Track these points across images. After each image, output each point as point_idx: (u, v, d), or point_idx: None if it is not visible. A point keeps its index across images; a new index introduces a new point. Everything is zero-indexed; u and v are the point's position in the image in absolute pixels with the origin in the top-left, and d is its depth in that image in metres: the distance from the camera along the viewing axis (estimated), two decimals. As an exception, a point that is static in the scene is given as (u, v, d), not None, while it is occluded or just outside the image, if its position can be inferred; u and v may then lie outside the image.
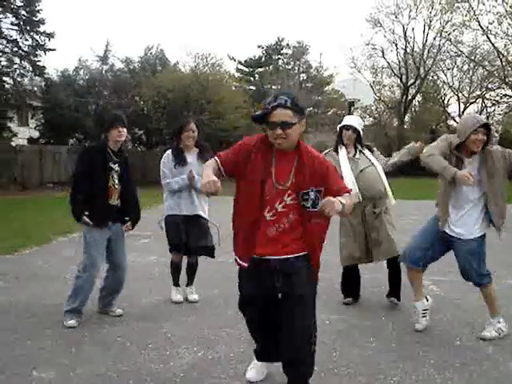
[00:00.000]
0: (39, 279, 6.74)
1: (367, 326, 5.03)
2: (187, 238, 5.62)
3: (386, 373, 3.94)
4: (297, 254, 3.29)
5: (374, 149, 5.82)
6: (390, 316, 5.31)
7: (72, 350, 4.38)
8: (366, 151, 5.69)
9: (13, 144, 24.96)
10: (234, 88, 34.90)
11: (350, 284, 5.78)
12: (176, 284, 5.89)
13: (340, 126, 5.76)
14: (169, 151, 5.69)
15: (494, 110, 40.45)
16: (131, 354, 4.30)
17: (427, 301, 4.96)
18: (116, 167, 5.09)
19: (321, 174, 3.23)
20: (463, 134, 4.45)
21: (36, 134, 30.29)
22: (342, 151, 5.63)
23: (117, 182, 5.08)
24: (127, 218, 5.17)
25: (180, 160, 5.54)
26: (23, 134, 29.35)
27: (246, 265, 3.36)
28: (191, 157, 5.59)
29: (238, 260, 3.41)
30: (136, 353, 4.32)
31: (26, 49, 25.77)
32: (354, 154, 5.61)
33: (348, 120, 5.80)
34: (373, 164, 5.57)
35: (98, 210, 4.98)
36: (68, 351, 4.35)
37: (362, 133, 5.68)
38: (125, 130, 5.04)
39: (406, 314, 5.34)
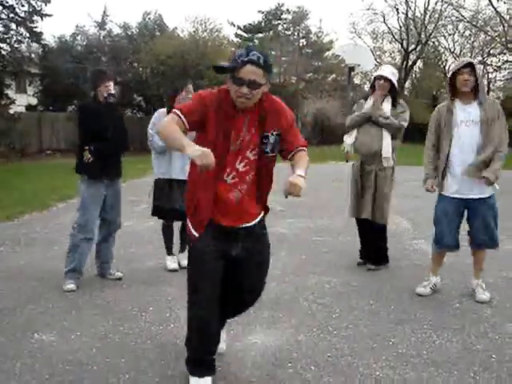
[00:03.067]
0: (40, 244, 6.77)
1: (367, 288, 5.06)
2: (173, 203, 5.46)
3: (385, 334, 3.98)
4: (258, 219, 3.19)
5: (401, 101, 5.62)
6: (389, 279, 5.34)
7: (73, 313, 4.42)
8: (387, 105, 5.53)
9: (11, 111, 24.78)
10: (233, 54, 34.59)
11: (364, 245, 5.86)
12: (169, 253, 5.78)
13: (373, 76, 5.77)
14: (160, 111, 5.61)
15: (496, 76, 40.17)
16: (132, 316, 4.34)
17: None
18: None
19: (279, 118, 3.06)
20: (448, 77, 4.61)
21: (34, 101, 30.09)
22: (369, 101, 5.64)
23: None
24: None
25: None
26: (21, 101, 29.13)
27: (197, 235, 3.11)
28: None
29: (191, 229, 3.16)
30: (137, 316, 4.35)
31: (22, 15, 25.39)
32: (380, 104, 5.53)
33: (382, 70, 5.75)
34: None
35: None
36: (69, 314, 4.38)
37: (396, 84, 5.56)
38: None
39: (405, 278, 5.39)
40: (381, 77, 5.54)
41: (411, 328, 4.10)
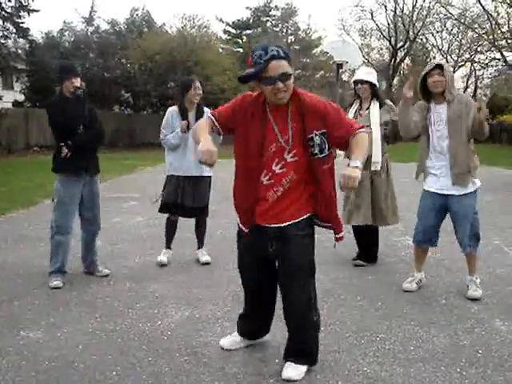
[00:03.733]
0: (27, 241, 6.73)
1: (354, 285, 5.07)
2: (183, 199, 5.54)
3: (372, 330, 3.98)
4: (295, 220, 3.15)
5: (387, 101, 5.59)
6: (376, 276, 5.35)
7: (60, 309, 4.39)
8: (375, 107, 5.50)
9: (-3, 107, 24.63)
10: (221, 50, 34.57)
11: (360, 243, 5.84)
12: (168, 246, 5.81)
13: (352, 81, 5.74)
14: (171, 109, 5.65)
15: (483, 73, 40.39)
16: (119, 313, 4.32)
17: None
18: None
19: (320, 114, 3.03)
20: (421, 79, 4.64)
21: (21, 98, 29.91)
22: (352, 106, 5.64)
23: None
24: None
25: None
26: (8, 97, 28.94)
27: (246, 230, 3.28)
28: (193, 117, 5.55)
29: (239, 224, 3.33)
30: (124, 312, 4.33)
31: (8, 10, 25.20)
32: (367, 108, 5.52)
33: (357, 74, 5.71)
34: (370, 125, 5.38)
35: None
36: (56, 311, 4.35)
37: (376, 83, 5.54)
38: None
39: (393, 274, 5.40)
40: (358, 81, 5.53)
41: (398, 324, 4.12)
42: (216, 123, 3.18)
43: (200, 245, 5.86)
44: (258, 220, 3.19)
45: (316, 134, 3.00)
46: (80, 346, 3.69)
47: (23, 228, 7.54)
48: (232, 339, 3.69)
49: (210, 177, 5.63)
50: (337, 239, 3.31)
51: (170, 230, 5.81)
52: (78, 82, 4.98)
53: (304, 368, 3.31)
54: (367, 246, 5.76)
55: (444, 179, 4.61)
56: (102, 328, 4.01)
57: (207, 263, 5.69)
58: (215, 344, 3.72)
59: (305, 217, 3.18)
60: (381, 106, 5.49)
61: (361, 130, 3.07)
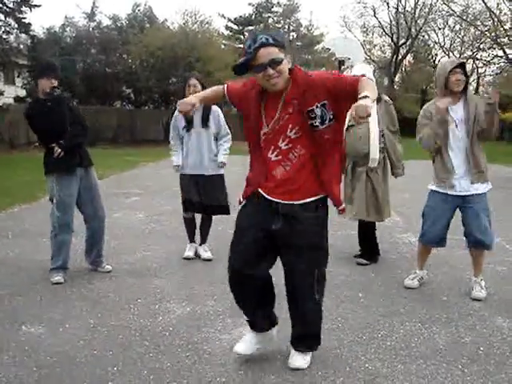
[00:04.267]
0: (29, 236, 6.74)
1: (356, 281, 5.07)
2: (200, 197, 5.62)
3: (374, 327, 3.99)
4: (307, 200, 3.13)
5: (383, 96, 5.59)
6: (378, 272, 5.35)
7: (61, 305, 4.39)
8: (374, 104, 5.45)
9: (-1, 103, 24.61)
10: (223, 46, 34.53)
11: (363, 241, 5.82)
12: (191, 240, 5.92)
13: None
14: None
15: (485, 70, 40.31)
16: (120, 309, 4.32)
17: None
18: None
19: (321, 85, 3.01)
20: (443, 77, 4.48)
21: (23, 93, 29.87)
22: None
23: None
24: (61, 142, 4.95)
25: (188, 122, 5.54)
26: (9, 92, 28.91)
27: (241, 200, 3.32)
28: (198, 116, 5.52)
29: (240, 197, 3.33)
30: (125, 308, 4.34)
31: (10, 5, 25.15)
32: None
33: (353, 71, 5.69)
34: (367, 121, 5.39)
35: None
36: (57, 306, 4.36)
37: (372, 78, 5.52)
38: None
39: (395, 271, 5.40)
40: None
41: (400, 320, 4.12)
42: (226, 91, 3.36)
43: (202, 241, 5.90)
44: (269, 194, 3.18)
45: (317, 106, 3.01)
46: (81, 342, 3.70)
47: (25, 223, 7.55)
48: (244, 343, 3.48)
49: (218, 175, 5.66)
50: (340, 211, 3.29)
51: (189, 227, 5.92)
52: (56, 83, 4.96)
53: (309, 356, 3.38)
54: (368, 244, 5.74)
55: (461, 180, 4.56)
56: (103, 323, 4.02)
57: (209, 260, 5.70)
58: (216, 340, 3.73)
59: (317, 198, 3.17)
60: (378, 102, 5.47)
61: (360, 79, 3.00)
